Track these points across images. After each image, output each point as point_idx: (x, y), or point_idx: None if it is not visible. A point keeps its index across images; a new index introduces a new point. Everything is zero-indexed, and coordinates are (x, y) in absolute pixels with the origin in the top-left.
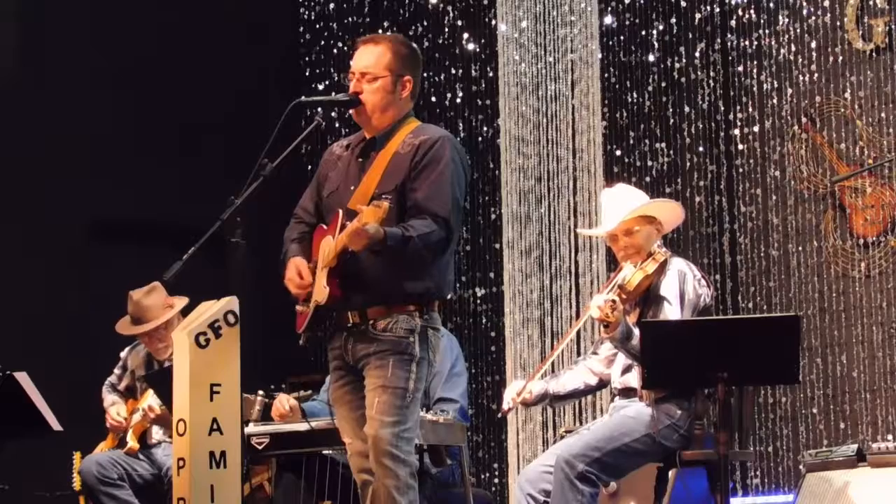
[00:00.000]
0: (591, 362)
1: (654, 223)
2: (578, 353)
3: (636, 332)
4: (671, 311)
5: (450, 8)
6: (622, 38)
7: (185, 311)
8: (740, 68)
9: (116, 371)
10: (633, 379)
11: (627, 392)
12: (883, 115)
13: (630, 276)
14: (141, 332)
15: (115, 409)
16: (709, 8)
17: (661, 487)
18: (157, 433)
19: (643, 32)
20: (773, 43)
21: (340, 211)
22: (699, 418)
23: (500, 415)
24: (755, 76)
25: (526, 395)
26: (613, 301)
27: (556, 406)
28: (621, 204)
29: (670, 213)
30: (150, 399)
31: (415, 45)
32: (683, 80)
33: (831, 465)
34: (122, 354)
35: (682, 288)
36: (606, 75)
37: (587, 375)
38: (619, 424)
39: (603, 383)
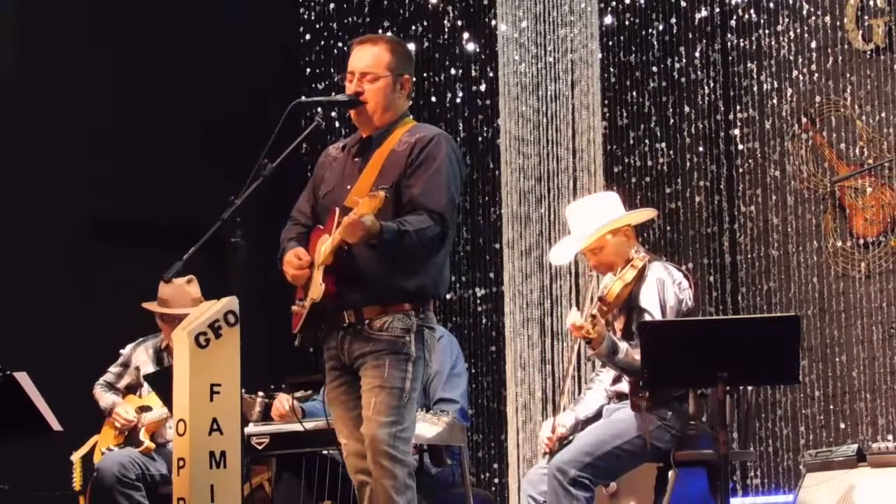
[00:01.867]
0: (603, 377)
1: (622, 231)
2: (579, 360)
3: (622, 345)
4: None
5: (450, 8)
6: (622, 38)
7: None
8: (740, 68)
9: (114, 369)
10: (625, 386)
11: (620, 397)
12: (883, 115)
13: (610, 285)
14: (171, 313)
15: (121, 408)
16: (709, 8)
17: (661, 487)
18: (170, 431)
19: (643, 32)
20: (773, 43)
21: (337, 209)
22: (693, 419)
23: (544, 457)
24: (755, 76)
25: (561, 430)
26: (594, 316)
27: None
28: (583, 225)
29: (632, 217)
30: None
31: (408, 44)
32: (683, 80)
33: (831, 465)
34: (124, 351)
35: (662, 297)
36: (606, 75)
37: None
38: (610, 428)
39: None
